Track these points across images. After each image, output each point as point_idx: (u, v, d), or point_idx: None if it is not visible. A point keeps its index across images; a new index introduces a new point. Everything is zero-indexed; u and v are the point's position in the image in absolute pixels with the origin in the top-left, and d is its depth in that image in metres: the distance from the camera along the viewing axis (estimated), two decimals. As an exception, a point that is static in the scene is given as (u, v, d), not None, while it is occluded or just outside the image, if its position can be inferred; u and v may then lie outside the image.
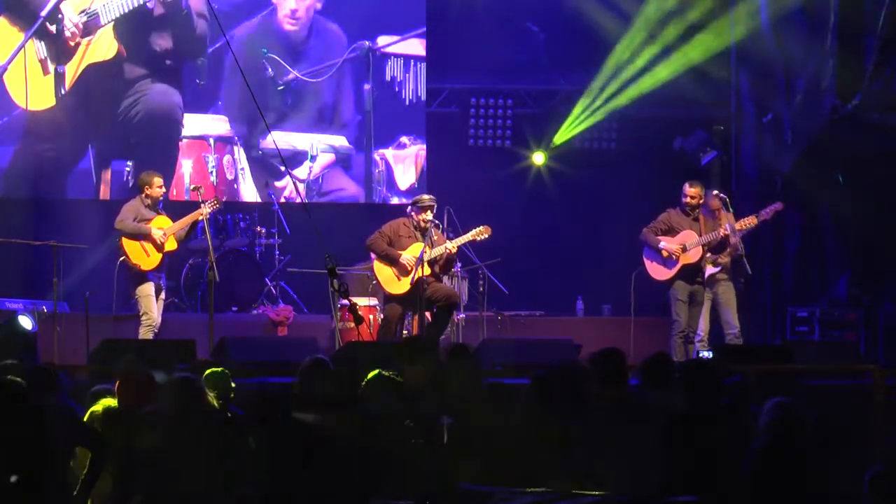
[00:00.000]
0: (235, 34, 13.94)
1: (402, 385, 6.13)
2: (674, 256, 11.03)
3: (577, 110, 14.60)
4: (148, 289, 10.89)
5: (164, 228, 10.93)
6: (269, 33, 14.20)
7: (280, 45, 14.22)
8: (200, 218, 11.06)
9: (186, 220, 11.04)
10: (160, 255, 10.94)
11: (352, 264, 12.38)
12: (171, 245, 10.98)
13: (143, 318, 10.83)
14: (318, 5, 14.33)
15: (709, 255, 11.10)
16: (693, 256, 11.06)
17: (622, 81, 14.20)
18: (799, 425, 5.72)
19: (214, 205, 11.23)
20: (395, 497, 5.16)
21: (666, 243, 11.06)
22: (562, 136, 14.78)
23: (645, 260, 11.30)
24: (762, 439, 5.71)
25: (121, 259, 11.03)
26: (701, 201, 11.16)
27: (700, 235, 11.05)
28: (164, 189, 11.18)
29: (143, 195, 11.04)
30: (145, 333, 10.75)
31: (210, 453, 5.67)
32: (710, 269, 11.21)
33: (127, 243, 10.95)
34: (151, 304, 10.87)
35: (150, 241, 10.89)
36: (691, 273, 11.11)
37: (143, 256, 10.91)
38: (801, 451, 5.67)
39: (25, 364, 6.81)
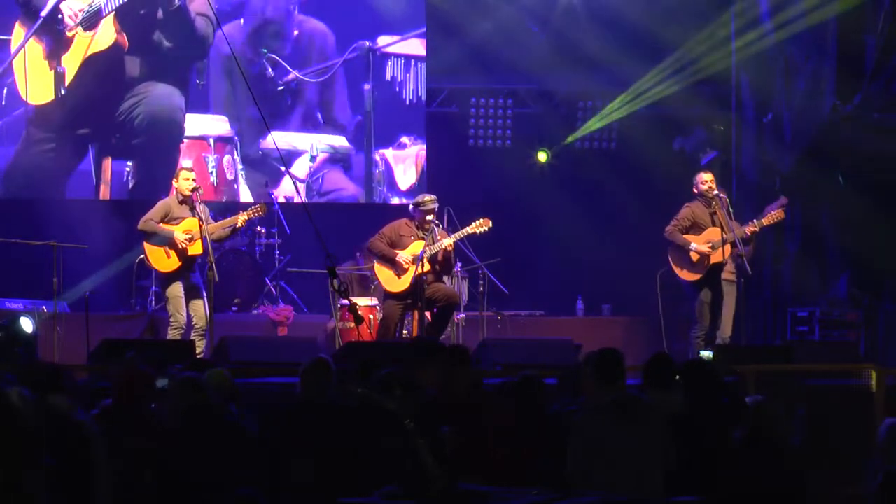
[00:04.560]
0: (228, 34, 13.90)
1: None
2: (705, 262, 10.78)
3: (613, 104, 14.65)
4: (176, 290, 10.43)
5: (190, 231, 10.39)
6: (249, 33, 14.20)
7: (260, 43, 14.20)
8: (239, 224, 10.70)
9: (222, 224, 10.66)
10: (180, 261, 10.41)
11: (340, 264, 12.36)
12: (195, 249, 10.39)
13: (171, 319, 10.46)
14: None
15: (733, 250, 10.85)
16: (720, 255, 10.78)
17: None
18: (770, 423, 5.73)
19: (257, 212, 10.84)
20: (395, 497, 5.14)
21: (696, 245, 10.77)
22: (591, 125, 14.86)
23: (671, 261, 10.98)
24: (737, 437, 5.75)
25: (139, 258, 10.82)
26: (714, 186, 10.88)
27: (722, 230, 10.76)
28: (191, 183, 10.50)
29: (176, 192, 10.59)
30: (174, 335, 10.38)
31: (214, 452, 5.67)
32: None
33: (148, 244, 10.53)
34: (180, 305, 10.39)
35: (172, 244, 10.42)
36: (718, 273, 10.88)
37: (162, 259, 10.45)
38: (776, 449, 5.68)
39: (25, 364, 6.79)
